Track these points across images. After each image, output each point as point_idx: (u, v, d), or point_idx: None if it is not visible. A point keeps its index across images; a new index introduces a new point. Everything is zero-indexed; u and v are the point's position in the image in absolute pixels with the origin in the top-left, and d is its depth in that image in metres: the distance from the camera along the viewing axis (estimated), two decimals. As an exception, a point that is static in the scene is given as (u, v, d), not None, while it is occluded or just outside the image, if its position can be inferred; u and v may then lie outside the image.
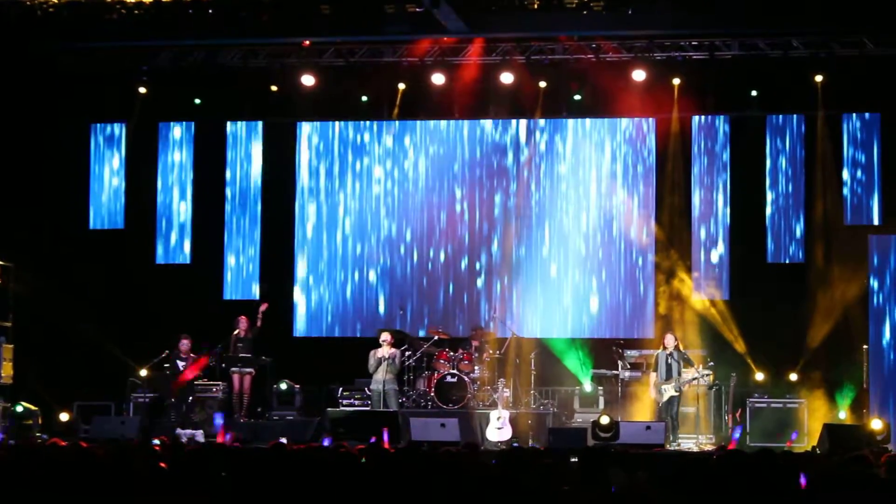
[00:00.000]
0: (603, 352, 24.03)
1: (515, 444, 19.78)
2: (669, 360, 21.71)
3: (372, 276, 25.63)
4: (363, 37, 23.36)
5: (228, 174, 25.94)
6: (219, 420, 20.31)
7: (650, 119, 24.95)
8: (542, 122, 25.21)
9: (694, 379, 22.00)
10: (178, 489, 9.62)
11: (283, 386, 23.65)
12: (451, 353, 23.27)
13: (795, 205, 24.38)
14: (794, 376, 22.99)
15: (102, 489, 9.31)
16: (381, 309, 25.49)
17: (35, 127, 24.36)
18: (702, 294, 24.38)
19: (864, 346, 22.47)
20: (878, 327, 22.34)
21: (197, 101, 25.21)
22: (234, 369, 23.11)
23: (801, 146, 24.41)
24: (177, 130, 25.99)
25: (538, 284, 25.16)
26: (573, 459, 12.53)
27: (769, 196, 24.45)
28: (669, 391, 21.60)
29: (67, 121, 25.00)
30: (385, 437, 18.10)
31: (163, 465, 10.28)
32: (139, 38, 22.28)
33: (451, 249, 25.45)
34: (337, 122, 25.84)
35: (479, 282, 25.37)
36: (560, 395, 23.70)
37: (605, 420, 20.40)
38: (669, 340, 21.90)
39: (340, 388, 23.43)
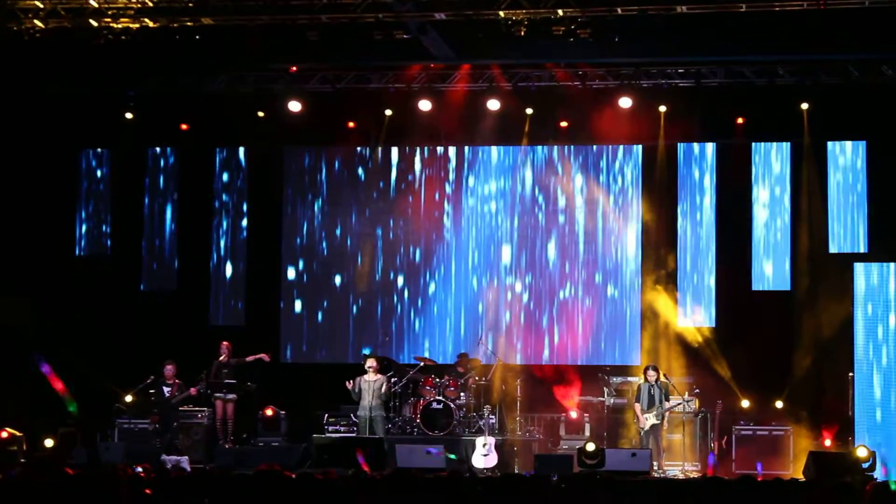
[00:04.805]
0: (589, 378, 24.03)
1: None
2: (652, 391, 21.72)
3: (359, 303, 25.61)
4: (350, 63, 23.41)
5: (215, 200, 25.94)
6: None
7: (636, 146, 25.00)
8: (527, 148, 25.24)
9: (677, 405, 21.99)
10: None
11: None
12: (437, 380, 23.25)
13: (781, 232, 24.43)
14: (779, 403, 23.00)
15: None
16: (368, 335, 25.47)
17: (22, 153, 24.31)
18: (687, 321, 24.40)
19: (850, 374, 22.49)
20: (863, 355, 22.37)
21: (184, 126, 25.19)
22: (217, 395, 23.06)
23: (787, 174, 24.47)
24: (163, 156, 25.99)
25: (524, 311, 25.16)
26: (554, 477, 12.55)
27: (755, 223, 24.51)
28: (651, 419, 21.59)
29: (54, 147, 24.94)
30: (360, 459, 18.09)
31: (147, 490, 10.25)
32: (126, 63, 22.29)
33: (438, 275, 25.46)
34: (324, 148, 25.86)
35: (465, 308, 25.37)
36: (546, 422, 23.68)
37: (590, 447, 20.36)
38: (651, 375, 21.87)
39: (326, 415, 23.38)
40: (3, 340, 22.92)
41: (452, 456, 21.25)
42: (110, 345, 24.16)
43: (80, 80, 23.34)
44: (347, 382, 22.18)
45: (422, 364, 23.85)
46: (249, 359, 23.26)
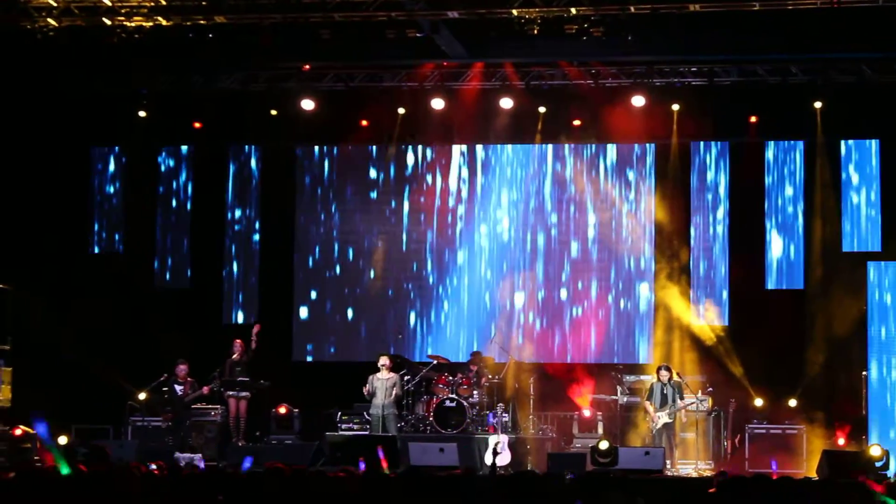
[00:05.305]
0: (602, 377, 24.03)
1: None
2: (665, 390, 21.72)
3: (371, 301, 25.62)
4: (363, 61, 23.42)
5: (228, 198, 25.97)
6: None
7: (649, 144, 24.98)
8: (540, 146, 25.24)
9: (690, 403, 21.99)
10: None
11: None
12: (450, 378, 23.25)
13: (794, 231, 24.41)
14: (792, 402, 22.98)
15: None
16: (381, 333, 25.47)
17: (35, 150, 24.36)
18: (701, 320, 24.38)
19: (863, 373, 22.47)
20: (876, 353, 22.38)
21: (197, 124, 25.21)
22: (230, 393, 23.06)
23: (800, 172, 24.45)
24: (176, 154, 26.03)
25: (537, 309, 25.16)
26: (569, 477, 12.54)
27: (768, 222, 24.49)
28: (664, 418, 21.59)
29: (67, 144, 24.98)
30: (381, 454, 18.08)
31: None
32: (139, 61, 22.31)
33: (451, 272, 25.47)
34: (337, 147, 25.88)
35: (478, 306, 25.37)
36: (559, 420, 23.68)
37: (604, 445, 20.35)
38: (664, 374, 21.88)
39: (339, 413, 23.39)
40: (18, 338, 22.96)
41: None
42: (123, 342, 24.19)
43: (93, 78, 23.37)
44: (364, 389, 22.22)
45: (435, 362, 23.86)
46: (254, 346, 23.21)
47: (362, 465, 17.96)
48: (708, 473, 21.00)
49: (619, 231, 25.10)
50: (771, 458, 21.33)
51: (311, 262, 25.88)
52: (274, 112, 24.54)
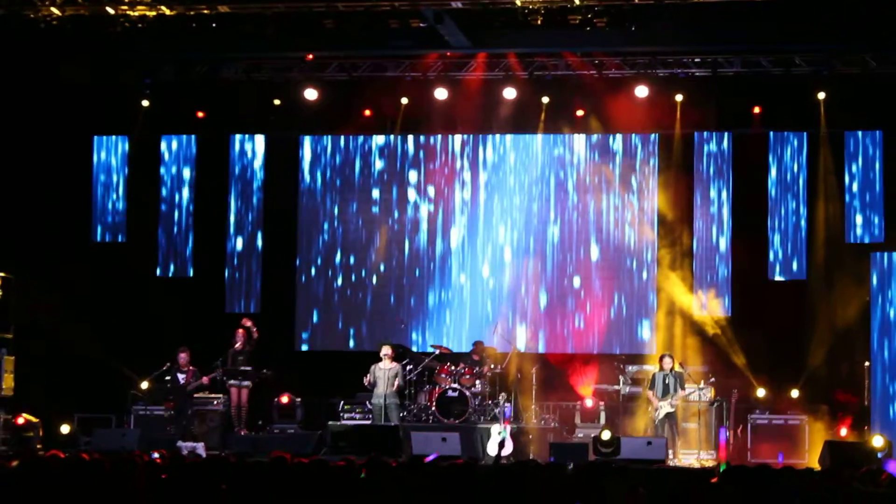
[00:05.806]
0: (604, 367, 24.05)
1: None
2: (667, 380, 21.72)
3: (374, 290, 25.62)
4: (367, 51, 23.41)
5: (231, 187, 25.96)
6: None
7: (652, 135, 24.97)
8: (543, 137, 25.22)
9: (691, 393, 22.01)
10: (178, 502, 9.63)
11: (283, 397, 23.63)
12: (453, 368, 23.24)
13: (797, 222, 24.40)
14: (795, 393, 22.99)
15: (102, 501, 9.31)
16: (383, 323, 25.47)
17: (38, 139, 24.34)
18: (704, 310, 24.38)
19: (866, 363, 22.47)
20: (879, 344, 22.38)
21: (200, 114, 25.21)
22: (231, 382, 23.06)
23: (804, 163, 24.43)
24: (179, 143, 26.01)
25: (539, 299, 25.16)
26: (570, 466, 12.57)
27: (771, 213, 24.47)
28: (665, 408, 21.59)
29: (70, 133, 24.97)
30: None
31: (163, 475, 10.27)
32: (142, 50, 22.31)
33: (453, 261, 25.47)
34: (340, 136, 25.87)
35: (481, 297, 25.37)
36: (561, 410, 23.69)
37: (606, 435, 20.37)
38: (667, 363, 21.88)
39: (342, 402, 23.41)
40: (21, 327, 22.97)
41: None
42: (126, 331, 24.20)
43: (97, 67, 23.35)
44: (365, 379, 22.23)
45: (437, 352, 23.86)
46: (255, 335, 23.19)
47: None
48: (710, 464, 21.02)
49: (623, 221, 25.08)
50: (778, 451, 21.36)
51: (314, 251, 25.85)
52: (277, 101, 24.56)
